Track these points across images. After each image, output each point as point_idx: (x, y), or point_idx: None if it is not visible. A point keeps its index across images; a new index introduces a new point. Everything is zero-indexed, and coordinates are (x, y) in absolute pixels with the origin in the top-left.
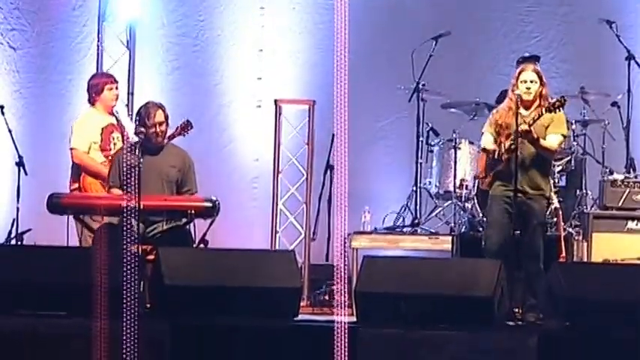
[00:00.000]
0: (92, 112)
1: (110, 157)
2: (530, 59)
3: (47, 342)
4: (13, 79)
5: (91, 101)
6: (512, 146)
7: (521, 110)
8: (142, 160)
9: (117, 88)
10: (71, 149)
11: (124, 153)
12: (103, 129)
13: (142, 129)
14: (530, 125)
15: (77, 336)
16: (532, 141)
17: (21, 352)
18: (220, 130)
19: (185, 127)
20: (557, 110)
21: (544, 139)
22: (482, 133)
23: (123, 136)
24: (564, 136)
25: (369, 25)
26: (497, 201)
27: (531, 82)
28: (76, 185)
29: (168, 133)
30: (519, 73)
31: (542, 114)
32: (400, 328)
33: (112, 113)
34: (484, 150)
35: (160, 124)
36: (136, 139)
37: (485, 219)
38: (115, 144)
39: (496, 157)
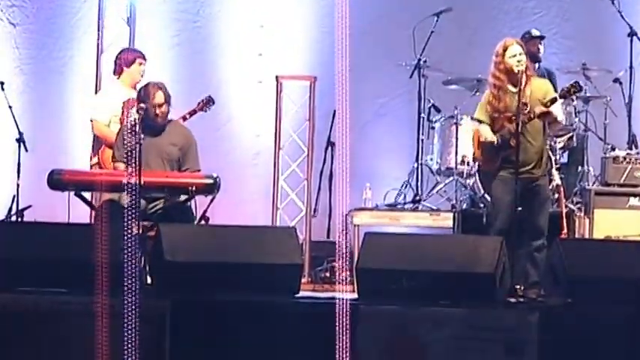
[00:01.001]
0: (116, 84)
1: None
2: (537, 38)
3: (48, 319)
4: (13, 55)
5: (118, 72)
6: (514, 129)
7: (510, 87)
8: (142, 137)
9: (144, 65)
10: (91, 120)
11: (126, 131)
12: (124, 102)
13: (143, 105)
14: (545, 105)
15: (78, 312)
16: (549, 118)
17: (22, 329)
18: (221, 106)
19: (206, 104)
20: (574, 97)
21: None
22: (479, 122)
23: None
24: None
25: (370, 1)
26: (504, 180)
27: (520, 54)
28: (96, 160)
29: (189, 109)
30: (505, 49)
31: (555, 100)
32: (401, 304)
33: (135, 89)
34: (485, 142)
35: (160, 105)
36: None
37: (488, 196)
38: None
39: (500, 142)
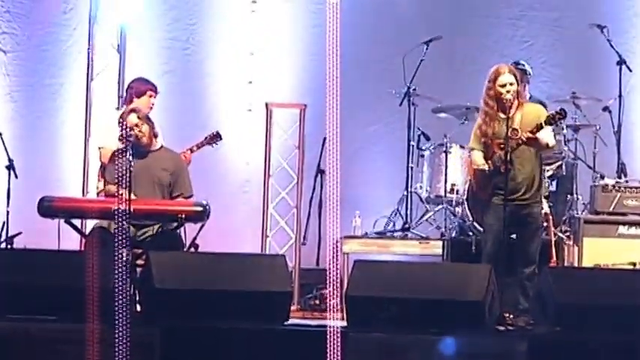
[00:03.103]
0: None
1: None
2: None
3: (39, 346)
4: (4, 82)
5: (128, 101)
6: (503, 155)
7: (500, 114)
8: (132, 163)
9: (155, 98)
10: (99, 148)
11: (116, 157)
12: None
13: (122, 134)
14: (532, 132)
15: (68, 340)
16: (537, 144)
17: (12, 356)
18: None
19: (213, 138)
20: (558, 123)
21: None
22: (470, 150)
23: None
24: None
25: (360, 29)
26: (496, 208)
27: (510, 84)
28: (102, 186)
29: (196, 142)
30: (496, 78)
31: (542, 127)
32: (390, 332)
33: None
34: (478, 169)
35: (136, 125)
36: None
37: (477, 224)
38: None
39: (492, 169)
